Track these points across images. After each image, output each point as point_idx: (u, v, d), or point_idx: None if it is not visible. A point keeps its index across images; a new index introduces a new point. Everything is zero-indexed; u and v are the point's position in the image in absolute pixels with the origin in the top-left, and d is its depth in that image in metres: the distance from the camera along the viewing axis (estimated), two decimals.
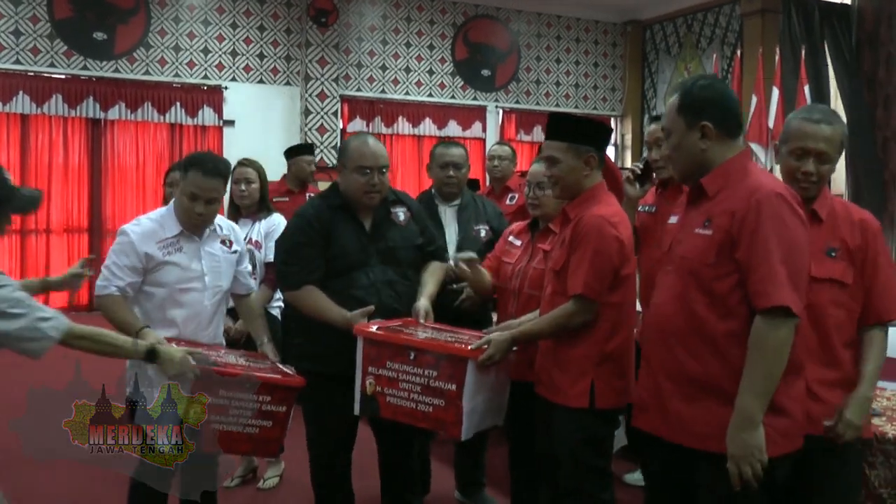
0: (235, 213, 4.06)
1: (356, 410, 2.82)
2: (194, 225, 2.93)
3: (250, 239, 3.91)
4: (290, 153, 5.85)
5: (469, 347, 2.61)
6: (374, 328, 2.79)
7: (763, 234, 2.01)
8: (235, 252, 3.09)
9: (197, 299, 2.93)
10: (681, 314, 2.13)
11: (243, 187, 4.02)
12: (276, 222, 4.01)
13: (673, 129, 2.20)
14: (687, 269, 2.14)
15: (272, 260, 3.58)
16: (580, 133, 2.70)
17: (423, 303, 2.99)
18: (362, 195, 3.04)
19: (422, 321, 2.92)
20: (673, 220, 2.34)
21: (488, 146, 11.00)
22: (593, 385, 2.62)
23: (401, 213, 3.15)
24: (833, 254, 2.31)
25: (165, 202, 3.95)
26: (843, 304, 2.32)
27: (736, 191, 2.10)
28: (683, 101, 2.17)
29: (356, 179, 3.03)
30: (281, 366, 2.91)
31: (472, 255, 3.14)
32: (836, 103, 9.38)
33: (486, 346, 2.62)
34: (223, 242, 3.05)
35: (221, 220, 3.11)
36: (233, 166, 4.04)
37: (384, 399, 2.73)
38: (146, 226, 2.92)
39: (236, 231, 3.17)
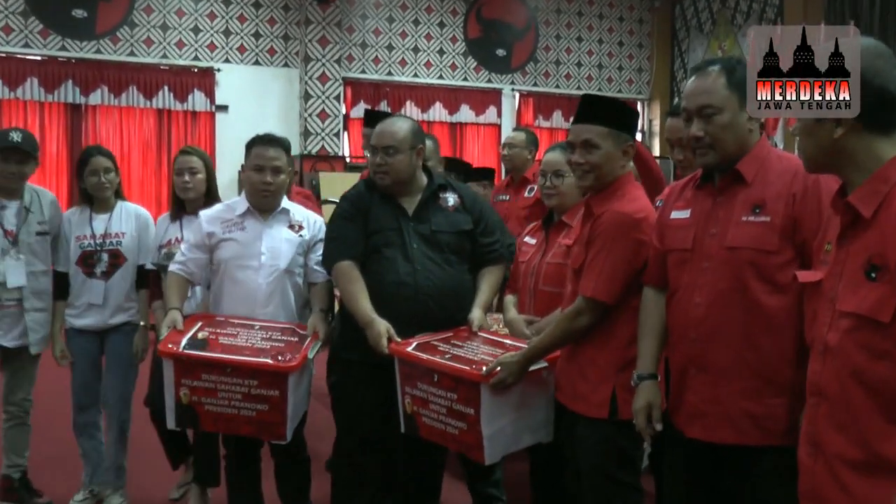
0: (179, 210, 3.85)
1: (402, 428, 2.99)
2: (263, 197, 3.33)
3: None
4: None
5: (482, 371, 2.68)
6: (414, 344, 2.93)
7: (827, 214, 2.05)
8: (303, 236, 3.39)
9: (251, 277, 3.29)
10: (739, 308, 2.19)
11: (187, 178, 3.80)
12: None
13: (725, 107, 2.22)
14: (743, 261, 2.19)
15: None
16: (620, 118, 2.70)
17: (476, 314, 3.13)
18: (373, 175, 3.22)
19: (475, 330, 3.08)
20: (681, 214, 2.37)
21: (504, 132, 10.97)
22: (615, 393, 2.61)
23: (450, 199, 3.28)
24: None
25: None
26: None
27: (778, 174, 2.21)
28: (732, 77, 2.21)
29: (370, 160, 3.24)
30: (310, 345, 3.11)
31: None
32: None
33: (498, 369, 2.68)
34: (292, 227, 3.39)
35: (297, 209, 3.47)
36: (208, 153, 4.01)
37: (421, 419, 2.89)
38: (216, 208, 3.47)
39: (311, 221, 3.46)
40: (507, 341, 3.04)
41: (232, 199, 3.51)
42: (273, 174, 3.30)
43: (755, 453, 2.19)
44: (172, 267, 3.38)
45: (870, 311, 1.63)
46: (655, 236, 2.47)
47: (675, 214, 2.40)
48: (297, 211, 3.47)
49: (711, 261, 2.24)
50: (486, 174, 6.05)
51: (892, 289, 1.60)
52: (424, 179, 3.28)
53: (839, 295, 1.71)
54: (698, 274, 2.27)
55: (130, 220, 3.90)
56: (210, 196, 3.84)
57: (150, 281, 3.82)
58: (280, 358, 2.99)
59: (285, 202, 3.44)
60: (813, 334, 1.81)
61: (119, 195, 3.96)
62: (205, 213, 3.44)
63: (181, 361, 2.96)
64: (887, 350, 1.61)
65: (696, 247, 2.29)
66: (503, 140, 4.97)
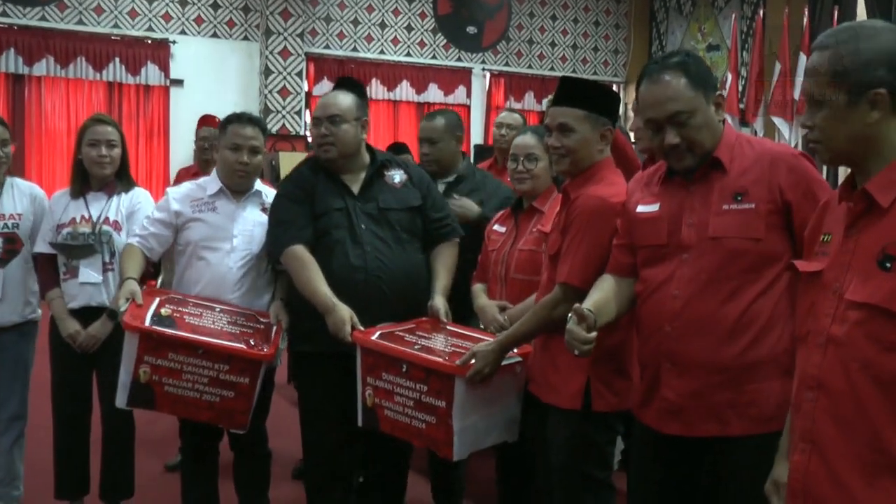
0: (83, 185, 3.54)
1: (359, 422, 2.95)
2: (238, 178, 3.29)
3: (107, 219, 3.50)
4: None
5: (456, 362, 2.68)
6: (377, 333, 2.89)
7: (818, 194, 2.14)
8: None
9: (221, 260, 3.25)
10: (723, 300, 2.21)
11: (104, 151, 3.48)
12: (141, 199, 3.59)
13: (696, 108, 2.25)
14: (728, 250, 2.20)
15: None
16: (599, 101, 2.71)
17: (438, 301, 3.12)
18: (317, 148, 3.19)
19: (443, 320, 3.07)
20: (649, 208, 2.38)
21: (473, 113, 10.98)
22: (589, 384, 2.62)
23: (396, 176, 3.26)
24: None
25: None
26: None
27: (754, 160, 2.24)
28: (691, 75, 2.24)
29: (313, 132, 3.20)
30: (279, 334, 3.10)
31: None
32: None
33: (473, 361, 2.68)
34: (264, 210, 3.34)
35: (269, 192, 3.40)
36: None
37: (382, 412, 2.86)
38: (186, 186, 3.40)
39: None
40: (475, 334, 3.04)
41: (202, 178, 3.44)
42: (250, 154, 3.27)
43: (735, 444, 2.21)
44: (131, 240, 3.29)
45: (883, 301, 1.62)
46: (622, 229, 2.48)
47: (641, 208, 2.40)
48: (270, 194, 3.41)
49: (691, 252, 2.26)
50: (402, 150, 6.03)
51: None
52: (368, 157, 3.27)
53: (847, 285, 1.70)
54: (676, 266, 2.28)
55: (24, 200, 3.59)
56: (123, 172, 3.61)
57: (39, 266, 3.53)
58: (251, 341, 2.97)
59: (257, 184, 3.40)
60: (809, 326, 1.79)
61: (9, 171, 3.63)
62: (173, 191, 3.37)
63: (149, 337, 2.89)
64: None
65: (671, 240, 2.30)
66: (498, 120, 4.96)
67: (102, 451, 3.59)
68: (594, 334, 2.19)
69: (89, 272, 3.44)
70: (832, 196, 1.92)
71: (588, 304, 2.32)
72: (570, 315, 2.21)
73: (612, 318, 2.38)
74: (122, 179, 3.59)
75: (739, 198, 2.21)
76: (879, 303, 1.63)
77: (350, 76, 5.43)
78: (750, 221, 2.19)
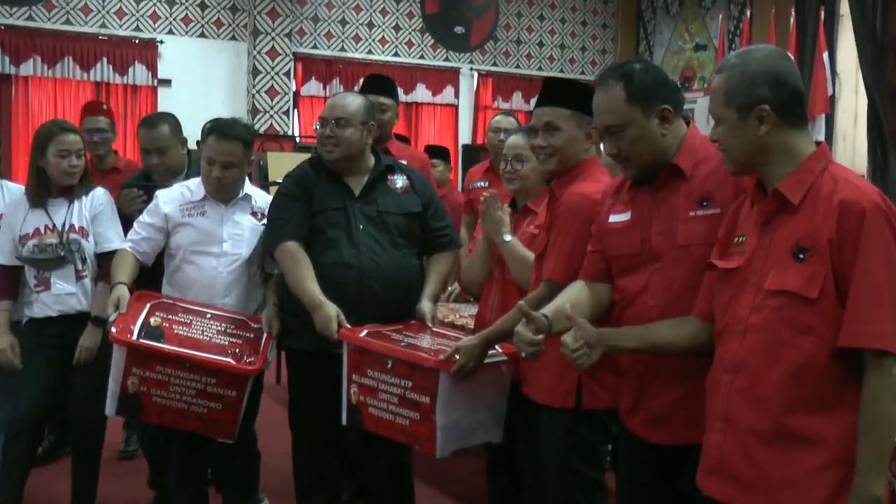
0: (43, 193, 3.46)
1: (343, 420, 2.99)
2: (214, 189, 3.28)
3: (72, 226, 3.44)
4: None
5: (440, 357, 2.69)
6: (364, 332, 2.92)
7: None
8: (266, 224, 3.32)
9: (211, 264, 3.27)
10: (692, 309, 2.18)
11: (75, 161, 3.43)
12: (102, 200, 3.55)
13: (629, 122, 2.25)
14: (698, 257, 2.18)
15: (106, 249, 3.46)
16: (584, 101, 2.71)
17: (426, 306, 3.17)
18: (321, 148, 3.22)
19: (429, 324, 3.11)
20: (621, 217, 2.37)
21: (461, 113, 10.98)
22: (580, 382, 2.63)
23: (398, 181, 3.30)
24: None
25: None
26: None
27: (720, 162, 2.17)
28: (631, 89, 2.24)
29: (318, 132, 3.22)
30: (268, 344, 3.13)
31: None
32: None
33: (457, 357, 2.69)
34: (254, 214, 3.37)
35: (259, 195, 3.43)
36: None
37: (367, 410, 2.89)
38: (176, 189, 3.38)
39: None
40: (461, 335, 3.06)
41: (191, 181, 3.43)
42: (222, 169, 3.23)
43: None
44: (124, 245, 3.30)
45: (798, 288, 1.85)
46: (596, 235, 2.47)
47: (613, 218, 2.41)
48: (259, 197, 3.43)
49: (662, 261, 2.27)
50: (440, 153, 6.04)
51: (819, 268, 1.83)
52: (372, 160, 3.29)
53: (765, 277, 1.91)
54: (651, 276, 2.29)
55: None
56: (84, 179, 3.54)
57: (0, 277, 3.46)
58: (239, 353, 2.99)
59: (247, 187, 3.40)
60: (728, 319, 1.99)
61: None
62: (163, 194, 3.36)
63: (137, 351, 2.92)
64: (812, 325, 1.84)
65: (643, 249, 2.31)
66: (493, 124, 4.94)
67: (72, 461, 3.58)
68: (541, 337, 2.19)
69: (62, 284, 3.42)
70: (742, 200, 2.08)
71: (548, 309, 2.31)
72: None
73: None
74: (81, 183, 3.52)
75: (705, 203, 2.22)
76: (794, 289, 1.85)
77: (380, 74, 5.24)
78: (717, 227, 2.16)
